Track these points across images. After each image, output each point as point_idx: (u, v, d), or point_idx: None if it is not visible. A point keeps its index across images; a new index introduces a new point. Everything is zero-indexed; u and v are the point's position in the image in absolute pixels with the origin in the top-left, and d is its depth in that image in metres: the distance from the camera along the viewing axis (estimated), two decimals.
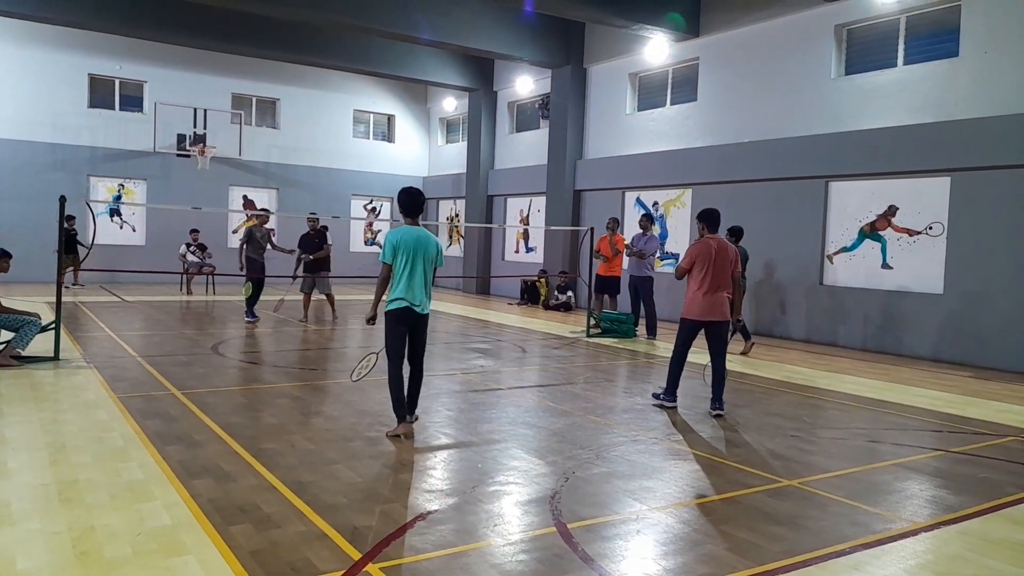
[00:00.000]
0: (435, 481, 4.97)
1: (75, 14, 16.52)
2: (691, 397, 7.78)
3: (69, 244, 15.93)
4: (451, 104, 23.75)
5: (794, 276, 13.58)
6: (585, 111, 18.50)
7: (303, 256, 13.20)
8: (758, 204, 14.05)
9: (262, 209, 14.17)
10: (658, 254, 14.49)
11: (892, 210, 12.28)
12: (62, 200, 8.77)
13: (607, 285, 13.39)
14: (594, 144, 18.31)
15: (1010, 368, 10.65)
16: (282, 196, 22.76)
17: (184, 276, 18.37)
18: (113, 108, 20.65)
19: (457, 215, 23.59)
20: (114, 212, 20.78)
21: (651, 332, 12.75)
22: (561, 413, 7.03)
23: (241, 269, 13.13)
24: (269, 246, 13.16)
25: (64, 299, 9.84)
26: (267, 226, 14.09)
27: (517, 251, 21.41)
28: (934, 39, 11.94)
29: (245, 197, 22.26)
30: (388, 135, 25.11)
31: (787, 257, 13.66)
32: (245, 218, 20.45)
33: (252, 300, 13.12)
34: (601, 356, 10.86)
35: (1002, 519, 4.59)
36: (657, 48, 16.15)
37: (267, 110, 22.99)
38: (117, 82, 20.70)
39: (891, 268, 12.30)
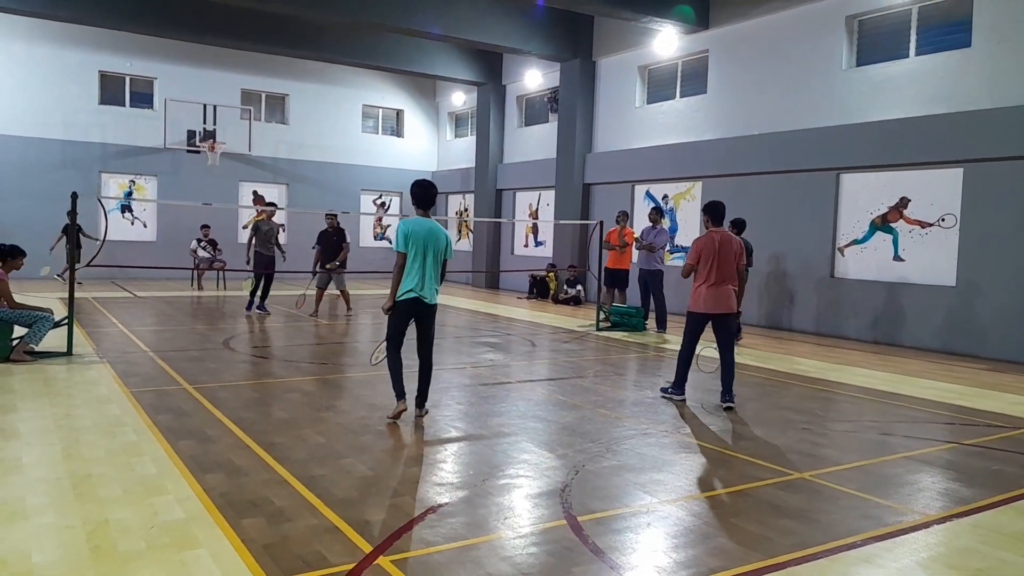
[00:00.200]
0: (445, 474, 4.98)
1: (85, 11, 16.64)
2: (700, 390, 7.77)
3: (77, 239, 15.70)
4: (460, 98, 23.73)
5: (805, 269, 13.52)
6: (594, 104, 18.44)
7: (326, 266, 13.11)
8: (768, 197, 13.99)
9: (269, 203, 14.16)
10: (668, 247, 14.44)
11: (904, 202, 12.20)
12: (74, 196, 8.83)
13: (615, 278, 13.40)
14: (603, 137, 18.25)
15: (1023, 360, 10.57)
16: (292, 192, 22.84)
17: (195, 272, 18.47)
18: (123, 105, 20.76)
19: (466, 209, 23.58)
20: (125, 208, 20.92)
21: (661, 325, 12.73)
22: (571, 406, 7.03)
23: (248, 263, 13.17)
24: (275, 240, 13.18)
25: (76, 295, 9.89)
26: (275, 220, 14.07)
27: (526, 245, 21.38)
28: (946, 30, 11.84)
29: (255, 192, 22.34)
30: (397, 130, 25.12)
31: (798, 250, 13.60)
32: (256, 213, 20.50)
33: (262, 295, 13.17)
34: (611, 350, 10.85)
35: (1015, 512, 4.56)
36: (666, 41, 16.08)
37: (276, 106, 23.05)
38: (127, 79, 20.80)
39: (903, 260, 12.22)
